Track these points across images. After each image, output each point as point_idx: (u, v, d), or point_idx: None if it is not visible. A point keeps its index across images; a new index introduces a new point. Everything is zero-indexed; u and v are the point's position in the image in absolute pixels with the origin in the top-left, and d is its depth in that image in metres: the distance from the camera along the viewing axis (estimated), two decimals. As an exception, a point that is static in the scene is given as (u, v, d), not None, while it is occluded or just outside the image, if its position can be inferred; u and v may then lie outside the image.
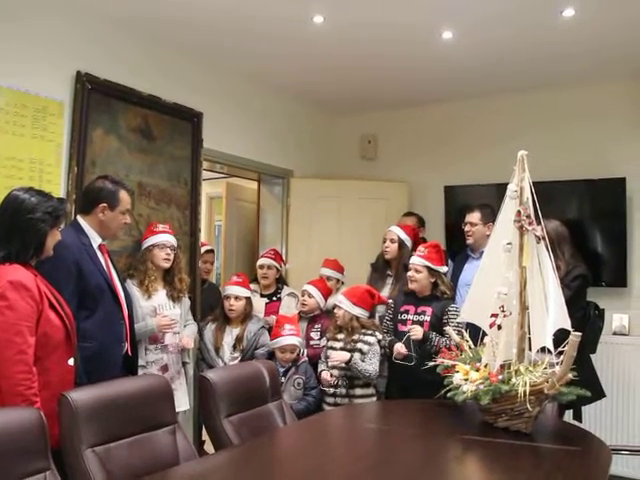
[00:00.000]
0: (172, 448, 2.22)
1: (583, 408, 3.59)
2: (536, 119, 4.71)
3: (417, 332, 3.34)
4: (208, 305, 4.14)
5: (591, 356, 3.57)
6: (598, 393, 3.38)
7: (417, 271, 3.48)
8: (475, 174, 4.80)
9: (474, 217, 3.91)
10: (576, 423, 3.29)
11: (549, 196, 4.25)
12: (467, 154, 5.00)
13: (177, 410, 3.22)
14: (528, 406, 2.24)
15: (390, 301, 3.72)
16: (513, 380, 2.31)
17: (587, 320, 3.43)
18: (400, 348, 3.38)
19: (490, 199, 3.96)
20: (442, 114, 5.16)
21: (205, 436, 3.63)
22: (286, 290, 4.37)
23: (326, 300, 3.99)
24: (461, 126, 5.08)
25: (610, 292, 4.31)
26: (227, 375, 2.63)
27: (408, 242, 4.00)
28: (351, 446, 2.40)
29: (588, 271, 3.39)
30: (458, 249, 4.19)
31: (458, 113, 5.09)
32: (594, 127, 4.51)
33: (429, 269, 3.48)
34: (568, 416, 3.49)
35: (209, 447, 2.90)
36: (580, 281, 3.31)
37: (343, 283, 4.34)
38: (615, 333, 4.34)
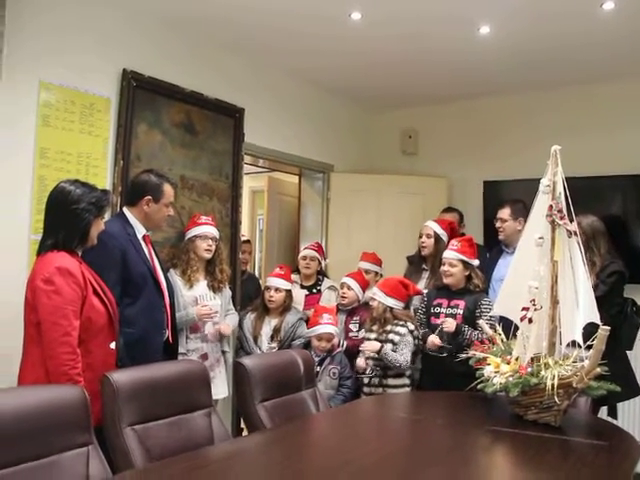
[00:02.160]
0: (207, 430, 2.32)
1: (621, 405, 3.55)
2: (578, 114, 4.65)
3: (450, 325, 3.37)
4: (247, 296, 4.24)
5: (630, 353, 3.53)
6: (633, 390, 3.34)
7: (452, 265, 3.50)
8: (514, 169, 4.76)
9: (504, 213, 3.91)
10: (611, 419, 3.26)
11: (594, 191, 4.24)
12: (507, 149, 4.97)
13: (216, 397, 3.37)
14: (556, 399, 2.25)
15: (425, 291, 3.76)
16: (542, 373, 2.32)
17: (624, 316, 3.38)
18: (435, 339, 3.42)
19: (529, 194, 3.85)
20: (482, 109, 5.14)
21: (244, 424, 3.74)
22: (327, 283, 4.43)
23: (364, 292, 4.05)
24: (501, 121, 5.05)
25: (653, 289, 4.23)
26: (262, 362, 2.72)
27: (444, 237, 4.00)
28: (380, 434, 2.46)
29: (625, 267, 3.35)
30: (496, 244, 4.18)
31: (498, 108, 5.06)
32: (637, 121, 4.43)
33: (464, 263, 3.50)
34: (603, 413, 3.45)
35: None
36: (616, 277, 3.28)
37: (382, 276, 4.37)
38: (657, 330, 4.25)
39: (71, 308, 2.32)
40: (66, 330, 2.29)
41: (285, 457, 2.09)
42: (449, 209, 4.74)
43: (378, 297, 3.58)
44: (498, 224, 3.96)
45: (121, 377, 2.14)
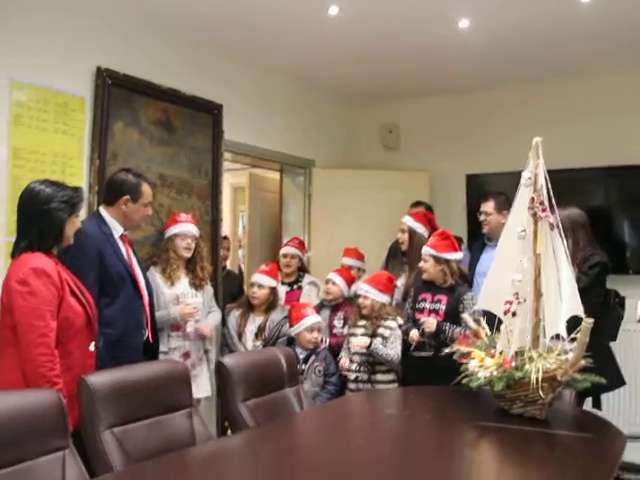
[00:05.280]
0: (188, 431, 2.27)
1: (605, 396, 3.56)
2: (559, 107, 4.65)
3: (430, 324, 3.34)
4: (228, 292, 4.19)
5: (614, 344, 3.53)
6: (618, 381, 3.34)
7: (425, 260, 3.48)
8: (497, 162, 4.74)
9: (488, 206, 3.90)
10: (595, 411, 3.27)
11: (573, 184, 4.24)
12: (489, 142, 4.96)
13: (199, 396, 3.33)
14: (540, 393, 2.23)
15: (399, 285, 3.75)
16: (526, 367, 2.30)
17: (607, 308, 3.39)
18: (414, 334, 3.39)
19: (511, 187, 3.82)
20: (463, 103, 5.13)
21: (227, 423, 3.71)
22: (307, 279, 4.39)
23: (349, 288, 4.01)
24: (483, 114, 5.04)
25: (636, 279, 4.26)
26: (243, 360, 2.68)
27: (420, 229, 3.95)
28: (367, 431, 2.43)
29: (607, 258, 3.35)
30: (480, 238, 4.17)
31: (479, 101, 5.05)
32: (616, 114, 4.45)
33: (434, 257, 3.45)
34: (588, 405, 3.46)
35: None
36: (599, 268, 3.28)
37: (364, 271, 4.35)
38: (640, 321, 4.29)
39: (47, 309, 2.27)
40: (42, 331, 2.23)
41: (269, 457, 2.05)
42: (417, 203, 4.64)
43: (372, 295, 3.55)
44: (482, 217, 3.94)
45: (98, 380, 2.08)
